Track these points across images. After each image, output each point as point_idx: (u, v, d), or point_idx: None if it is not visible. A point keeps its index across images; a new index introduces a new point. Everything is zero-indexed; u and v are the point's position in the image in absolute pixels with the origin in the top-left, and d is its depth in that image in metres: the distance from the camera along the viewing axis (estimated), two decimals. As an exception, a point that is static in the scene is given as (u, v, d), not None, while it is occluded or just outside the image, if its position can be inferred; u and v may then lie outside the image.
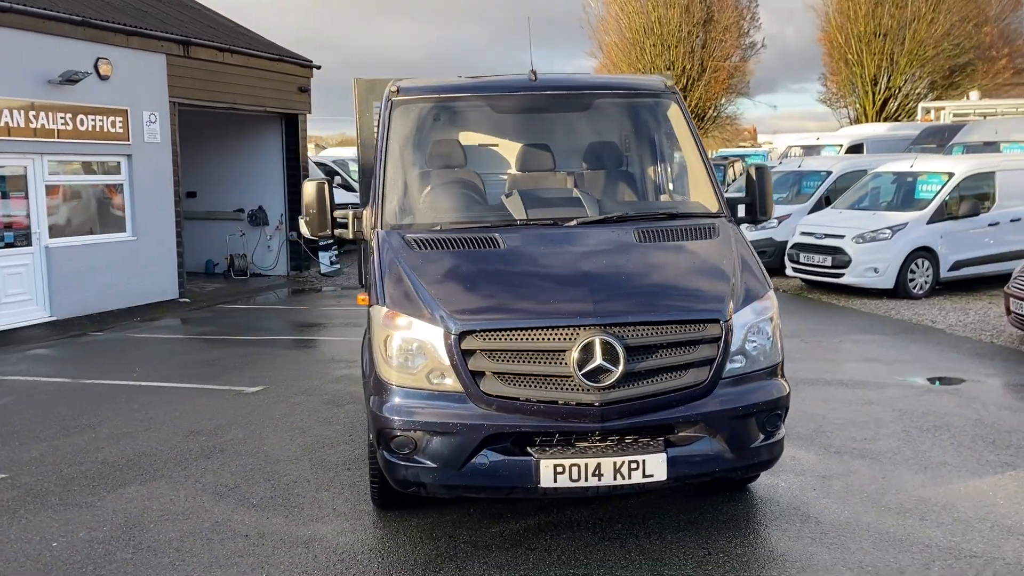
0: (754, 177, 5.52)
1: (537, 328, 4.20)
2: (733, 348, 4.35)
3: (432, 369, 4.29)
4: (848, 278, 12.46)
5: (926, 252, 12.37)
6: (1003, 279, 12.92)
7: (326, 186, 5.48)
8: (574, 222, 5.08)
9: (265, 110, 16.34)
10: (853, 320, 11.08)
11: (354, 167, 25.17)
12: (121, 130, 13.07)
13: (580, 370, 4.12)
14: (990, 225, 12.70)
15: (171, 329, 12.24)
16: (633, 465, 4.15)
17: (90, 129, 12.58)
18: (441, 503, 5.07)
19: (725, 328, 4.32)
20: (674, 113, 5.79)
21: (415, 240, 4.87)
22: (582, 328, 4.17)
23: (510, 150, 6.25)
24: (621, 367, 4.14)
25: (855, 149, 21.77)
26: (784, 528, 4.77)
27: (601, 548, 4.56)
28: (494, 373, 4.22)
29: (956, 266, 12.54)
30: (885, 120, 33.75)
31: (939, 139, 20.99)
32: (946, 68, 35.57)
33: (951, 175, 12.75)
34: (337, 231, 5.56)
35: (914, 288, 12.34)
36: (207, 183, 17.12)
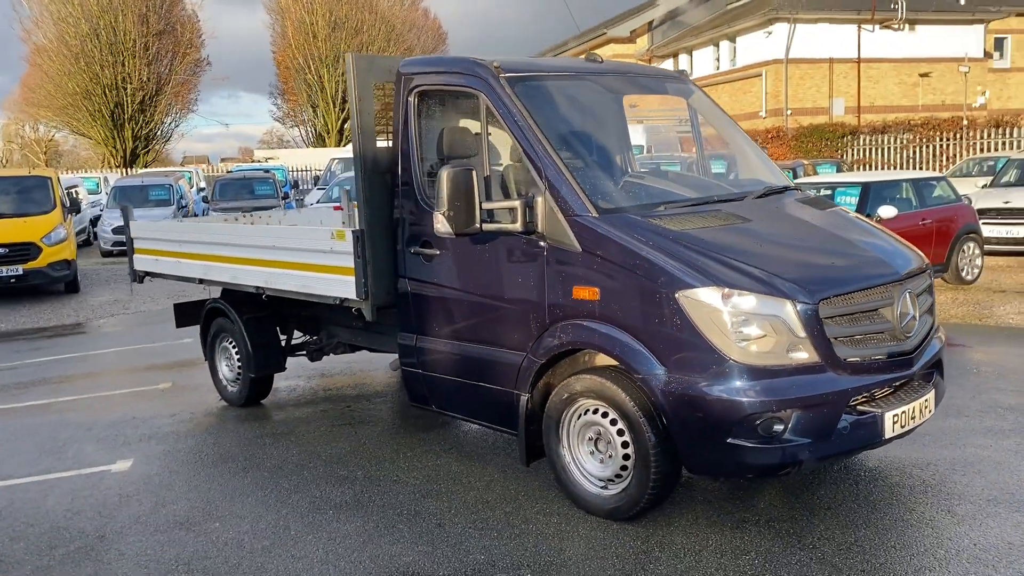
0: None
1: (870, 288, 4.45)
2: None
3: (787, 343, 4.18)
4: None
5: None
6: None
7: (472, 174, 4.68)
8: (754, 195, 5.25)
9: None
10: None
11: None
12: None
13: (901, 323, 4.47)
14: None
15: None
16: (925, 404, 4.64)
17: None
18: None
19: (931, 277, 5.06)
20: (702, 97, 6.19)
21: (664, 221, 4.55)
22: (893, 284, 4.52)
23: (501, 140, 5.91)
24: (918, 316, 4.60)
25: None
26: (962, 473, 5.21)
27: (872, 500, 4.85)
28: (838, 338, 4.30)
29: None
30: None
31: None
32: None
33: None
34: (487, 226, 4.78)
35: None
36: None
